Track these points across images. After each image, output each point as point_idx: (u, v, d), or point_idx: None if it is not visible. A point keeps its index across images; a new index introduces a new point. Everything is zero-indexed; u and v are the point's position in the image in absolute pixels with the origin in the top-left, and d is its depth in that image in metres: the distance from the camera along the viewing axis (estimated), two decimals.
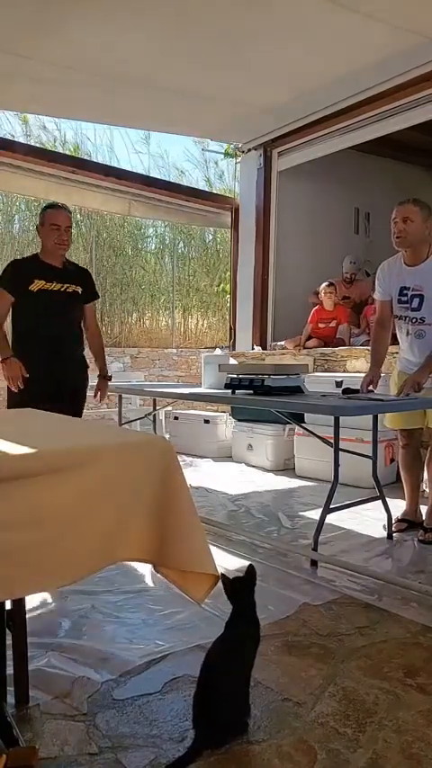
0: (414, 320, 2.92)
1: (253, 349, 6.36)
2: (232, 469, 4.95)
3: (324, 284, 5.86)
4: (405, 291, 2.93)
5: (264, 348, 6.35)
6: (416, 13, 4.02)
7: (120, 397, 4.31)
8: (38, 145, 7.24)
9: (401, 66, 4.77)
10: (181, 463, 1.69)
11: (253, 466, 5.01)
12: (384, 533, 3.08)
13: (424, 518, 3.10)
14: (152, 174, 7.18)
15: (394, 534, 3.07)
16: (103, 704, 1.56)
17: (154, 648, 1.86)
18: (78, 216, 7.53)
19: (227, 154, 7.08)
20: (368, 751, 1.38)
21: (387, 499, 3.07)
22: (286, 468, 4.83)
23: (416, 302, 2.88)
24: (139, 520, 1.46)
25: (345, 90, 5.20)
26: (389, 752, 1.38)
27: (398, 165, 7.10)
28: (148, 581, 2.40)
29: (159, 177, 6.89)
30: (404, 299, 2.93)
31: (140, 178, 6.44)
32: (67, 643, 1.88)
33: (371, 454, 3.12)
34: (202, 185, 8.63)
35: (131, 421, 4.68)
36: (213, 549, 1.42)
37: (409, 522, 3.19)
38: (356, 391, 3.06)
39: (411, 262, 2.90)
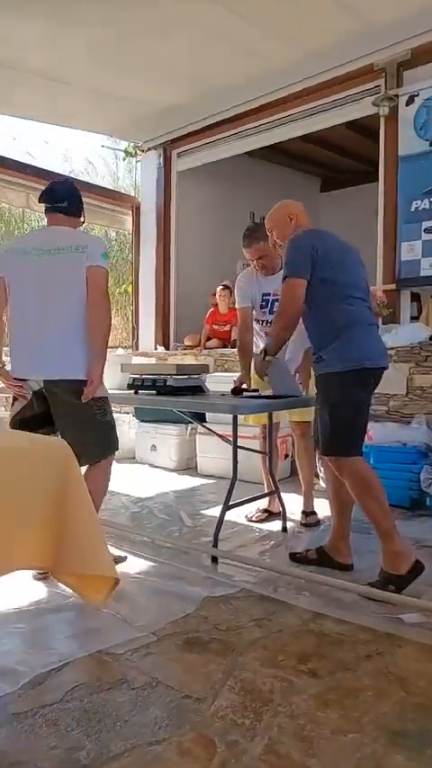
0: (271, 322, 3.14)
1: (156, 349, 6.36)
2: (135, 471, 4.92)
3: (219, 287, 5.84)
4: (266, 297, 3.28)
5: (167, 348, 6.36)
6: (306, 29, 4.23)
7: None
8: None
9: (290, 77, 5.01)
10: (80, 467, 1.68)
11: (156, 467, 5.00)
12: (279, 526, 3.21)
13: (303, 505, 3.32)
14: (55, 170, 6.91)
15: (288, 526, 3.22)
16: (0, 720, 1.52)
17: (54, 658, 1.82)
18: None
19: (127, 152, 7.01)
20: (264, 738, 1.44)
21: (282, 493, 3.22)
22: (189, 467, 4.89)
23: (276, 305, 3.14)
24: (37, 525, 1.43)
25: (239, 96, 5.37)
26: (283, 737, 1.45)
27: (284, 170, 7.50)
28: (45, 590, 2.35)
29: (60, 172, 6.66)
30: (265, 303, 3.29)
31: (35, 170, 6.17)
32: None
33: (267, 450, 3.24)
34: (107, 183, 8.48)
35: None
36: (116, 552, 1.44)
37: (270, 513, 3.39)
38: (243, 391, 3.15)
39: (268, 272, 3.25)
